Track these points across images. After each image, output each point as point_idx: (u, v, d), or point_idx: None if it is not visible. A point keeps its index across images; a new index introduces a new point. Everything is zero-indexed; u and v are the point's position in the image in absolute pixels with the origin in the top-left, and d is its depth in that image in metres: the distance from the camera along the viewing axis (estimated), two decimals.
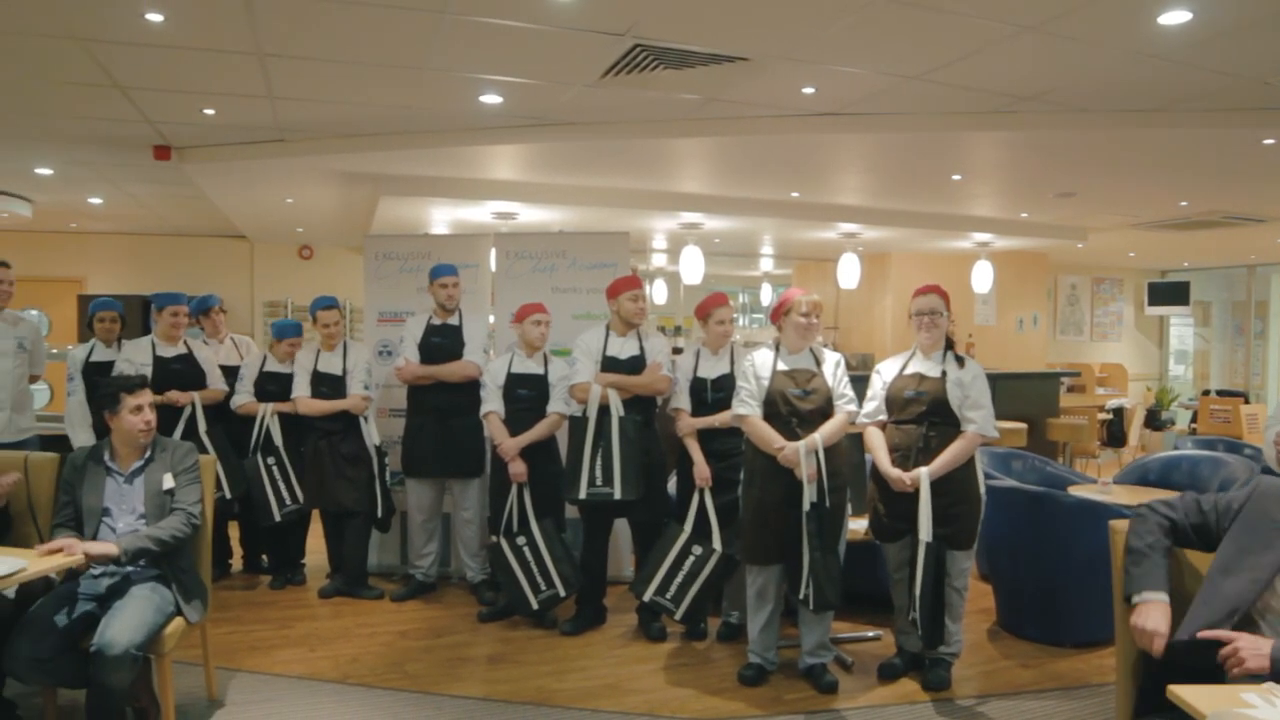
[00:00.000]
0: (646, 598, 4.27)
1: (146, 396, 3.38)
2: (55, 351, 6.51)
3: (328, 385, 5.02)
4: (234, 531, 5.56)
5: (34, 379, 5.11)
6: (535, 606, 4.48)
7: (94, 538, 3.25)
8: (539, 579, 4.46)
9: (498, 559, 4.54)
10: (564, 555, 4.47)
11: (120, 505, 3.31)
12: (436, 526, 5.20)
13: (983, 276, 9.65)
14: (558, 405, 4.64)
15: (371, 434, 5.04)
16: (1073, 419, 9.00)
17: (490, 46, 4.09)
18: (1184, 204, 7.70)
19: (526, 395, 4.66)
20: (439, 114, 5.24)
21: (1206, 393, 11.84)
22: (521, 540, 4.49)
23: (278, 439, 5.09)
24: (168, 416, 4.70)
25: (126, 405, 3.30)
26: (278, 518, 5.05)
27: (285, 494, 5.06)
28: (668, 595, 4.21)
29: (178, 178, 6.78)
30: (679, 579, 4.20)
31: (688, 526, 4.24)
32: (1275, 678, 1.93)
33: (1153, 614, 2.26)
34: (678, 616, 4.24)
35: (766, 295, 13.31)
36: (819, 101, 4.89)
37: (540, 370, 4.71)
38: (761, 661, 3.94)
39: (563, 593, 4.45)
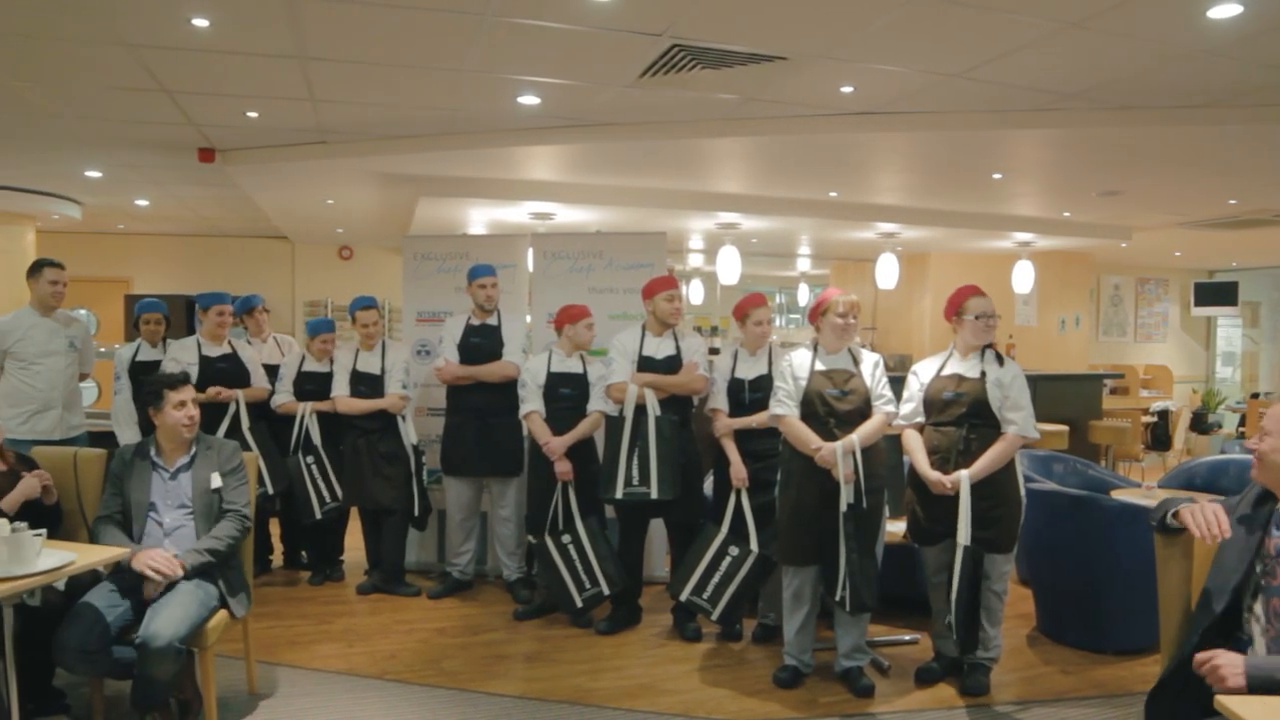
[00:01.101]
0: (683, 598, 4.26)
1: (189, 393, 3.46)
2: (103, 350, 6.66)
3: (366, 384, 5.08)
4: (274, 528, 5.65)
5: (83, 377, 5.23)
6: (580, 604, 4.49)
7: (141, 533, 3.34)
8: (584, 577, 4.47)
9: (542, 557, 4.55)
10: (608, 554, 4.49)
11: (166, 500, 3.38)
12: (474, 525, 5.23)
13: (1024, 277, 9.51)
14: (598, 404, 4.66)
15: (409, 433, 5.09)
16: (1116, 421, 8.84)
17: (528, 48, 4.11)
18: (1233, 202, 7.53)
19: (569, 394, 4.68)
20: (477, 115, 5.28)
21: (1255, 395, 11.56)
22: (566, 539, 4.51)
23: (316, 438, 5.15)
24: (212, 414, 4.78)
25: (170, 401, 3.37)
26: (319, 515, 5.11)
27: (325, 492, 5.13)
28: (704, 595, 4.21)
29: (221, 179, 6.90)
30: (715, 579, 4.19)
31: (724, 527, 4.23)
32: (1253, 692, 1.94)
33: (1197, 507, 2.37)
34: (714, 617, 4.23)
35: (804, 296, 13.25)
36: (858, 100, 4.85)
37: (580, 369, 4.73)
38: (797, 664, 3.92)
39: (607, 590, 4.46)
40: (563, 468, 4.53)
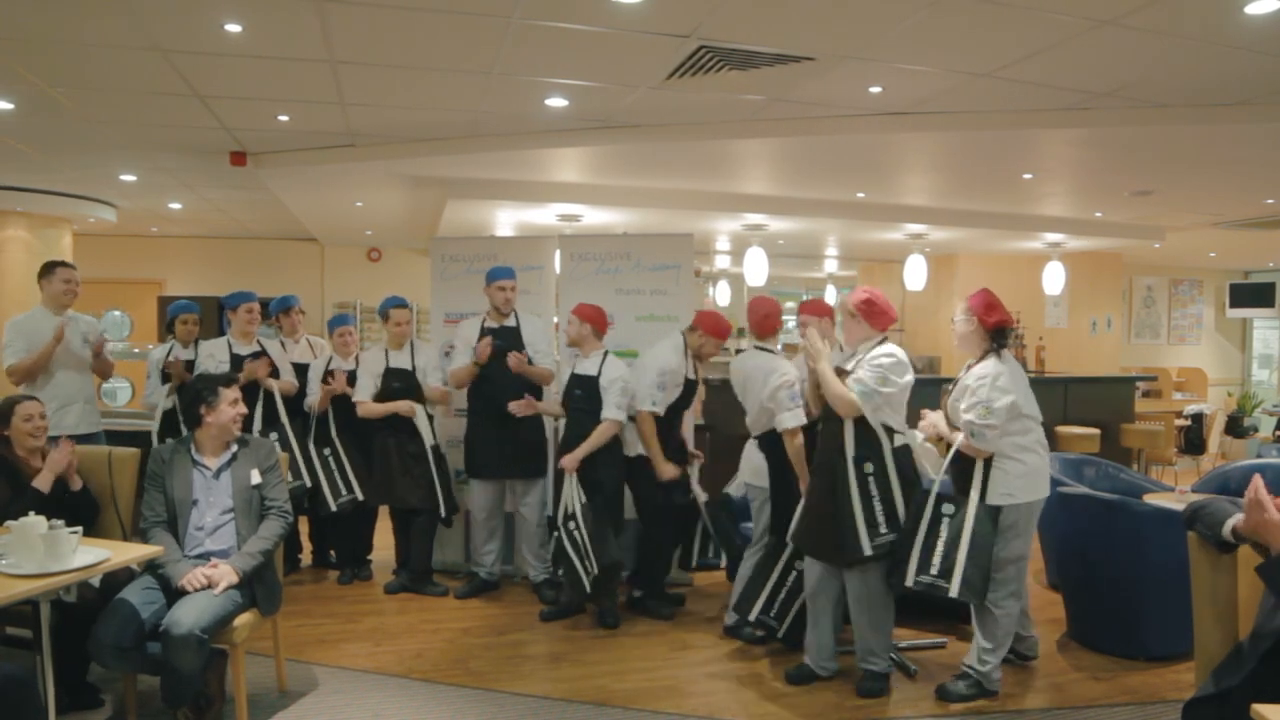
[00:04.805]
0: (753, 617, 4.26)
1: (239, 392, 3.59)
2: (136, 351, 6.77)
3: (400, 380, 5.11)
4: (303, 526, 5.70)
5: (105, 370, 5.30)
6: (589, 589, 4.48)
7: (184, 532, 3.39)
8: (589, 561, 4.45)
9: (558, 548, 4.56)
10: (600, 535, 4.43)
11: (208, 499, 3.44)
12: (498, 525, 5.25)
13: (1055, 278, 9.40)
14: (611, 411, 4.60)
15: (426, 433, 5.07)
16: (1148, 425, 8.71)
17: (556, 50, 4.12)
18: (1269, 201, 7.40)
19: (581, 396, 4.68)
20: (505, 117, 5.30)
21: None
22: (572, 525, 4.51)
23: (333, 430, 5.21)
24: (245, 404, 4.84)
25: (225, 399, 3.48)
26: (334, 508, 5.15)
27: (341, 485, 5.17)
28: (771, 613, 4.22)
29: (252, 183, 6.97)
30: (782, 596, 4.21)
31: (790, 542, 4.17)
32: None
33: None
34: (780, 635, 4.23)
35: (831, 298, 13.17)
36: (886, 100, 4.82)
37: (594, 372, 4.70)
38: (812, 666, 3.95)
39: (595, 568, 4.40)
40: (564, 462, 4.56)
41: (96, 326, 5.29)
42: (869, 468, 3.65)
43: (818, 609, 3.92)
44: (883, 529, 3.64)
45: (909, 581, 3.60)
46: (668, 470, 4.59)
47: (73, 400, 4.94)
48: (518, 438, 4.94)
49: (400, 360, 5.16)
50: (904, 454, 3.72)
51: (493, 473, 5.05)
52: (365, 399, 5.09)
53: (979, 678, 3.77)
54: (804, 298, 14.90)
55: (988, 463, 3.66)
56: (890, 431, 3.69)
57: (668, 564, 4.97)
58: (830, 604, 3.90)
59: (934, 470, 3.85)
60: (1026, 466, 3.67)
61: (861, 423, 3.66)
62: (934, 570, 3.57)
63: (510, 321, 5.07)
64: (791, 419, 4.11)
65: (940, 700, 3.77)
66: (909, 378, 3.69)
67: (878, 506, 3.65)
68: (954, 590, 3.54)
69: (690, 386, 4.75)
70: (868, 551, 3.62)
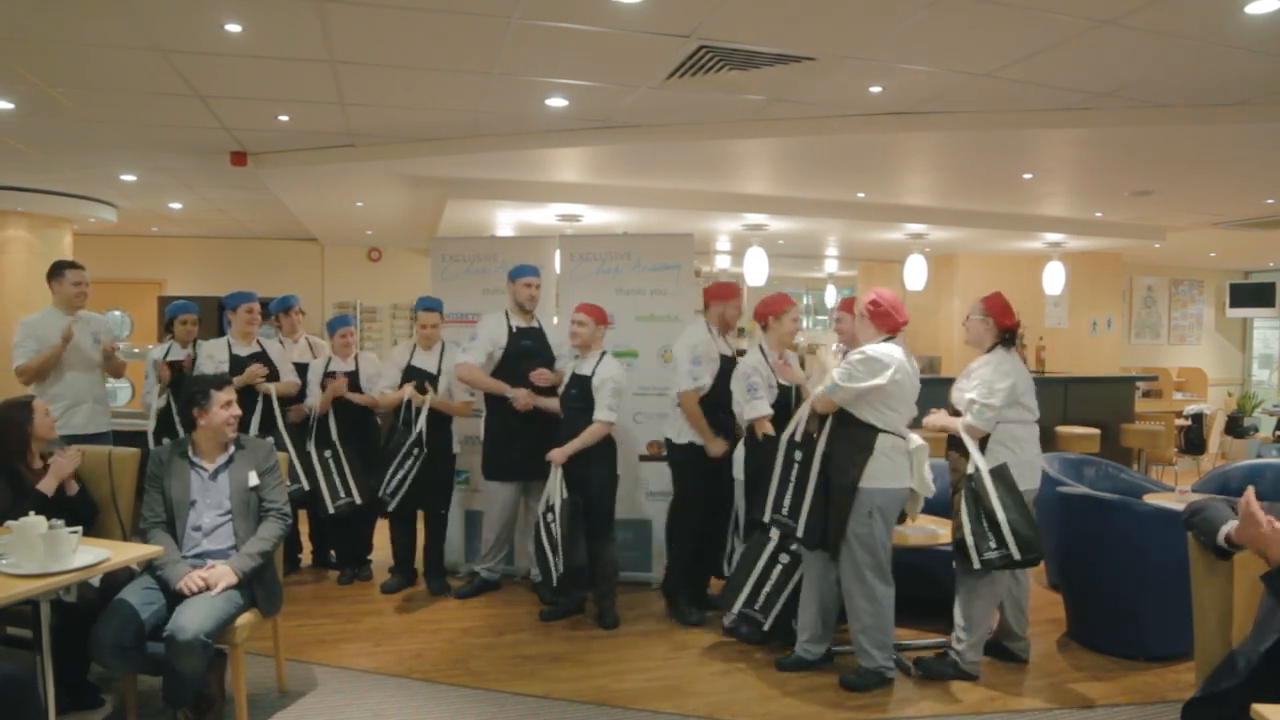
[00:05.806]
0: (736, 609, 4.24)
1: (232, 393, 3.56)
2: (137, 351, 6.76)
3: (418, 379, 5.07)
4: (303, 526, 5.69)
5: (119, 369, 5.31)
6: (555, 583, 4.46)
7: (182, 533, 3.39)
8: (559, 557, 4.42)
9: (535, 539, 4.56)
10: (568, 534, 4.40)
11: (205, 500, 3.44)
12: (513, 527, 5.23)
13: (1055, 278, 9.40)
14: (602, 413, 4.57)
15: (420, 425, 4.97)
16: (1148, 425, 8.72)
17: (556, 50, 4.12)
18: (1270, 201, 7.41)
19: (577, 396, 4.66)
20: (505, 117, 5.30)
21: None
22: (550, 517, 4.50)
23: (334, 433, 5.20)
24: (243, 408, 4.83)
25: (218, 401, 3.46)
26: (331, 510, 5.14)
27: (340, 488, 5.15)
28: (756, 606, 4.20)
29: (253, 183, 6.98)
30: (767, 589, 4.18)
31: (774, 534, 4.15)
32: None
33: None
34: (766, 627, 4.23)
35: (831, 297, 13.18)
36: (886, 100, 4.82)
37: (587, 373, 4.67)
38: (799, 650, 4.05)
39: (558, 572, 4.39)
40: (555, 456, 4.55)
41: (107, 325, 5.29)
42: (798, 455, 3.90)
43: (807, 593, 4.03)
44: (785, 511, 3.90)
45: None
46: (718, 446, 4.59)
47: (82, 400, 4.96)
48: (536, 438, 4.85)
49: (425, 361, 5.15)
50: (849, 461, 3.78)
51: (511, 474, 5.02)
52: (385, 390, 5.11)
53: (956, 658, 3.97)
54: (804, 298, 15.01)
55: (983, 452, 3.86)
56: (875, 431, 3.77)
57: (710, 565, 4.90)
58: (816, 587, 3.98)
59: (927, 477, 3.92)
60: (1018, 457, 3.89)
61: (838, 418, 3.85)
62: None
63: (534, 323, 5.07)
64: (751, 410, 4.30)
65: (921, 673, 3.99)
66: (880, 380, 3.72)
67: (790, 490, 3.89)
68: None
69: (729, 363, 4.71)
70: (766, 519, 3.98)
